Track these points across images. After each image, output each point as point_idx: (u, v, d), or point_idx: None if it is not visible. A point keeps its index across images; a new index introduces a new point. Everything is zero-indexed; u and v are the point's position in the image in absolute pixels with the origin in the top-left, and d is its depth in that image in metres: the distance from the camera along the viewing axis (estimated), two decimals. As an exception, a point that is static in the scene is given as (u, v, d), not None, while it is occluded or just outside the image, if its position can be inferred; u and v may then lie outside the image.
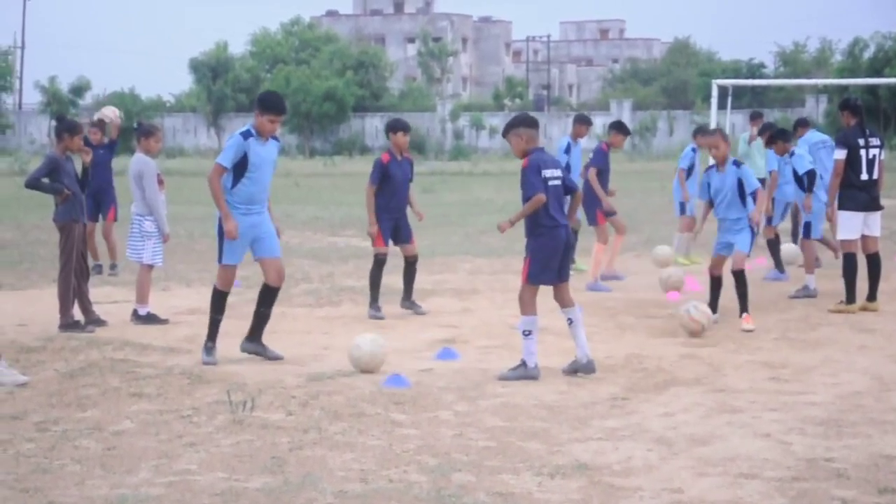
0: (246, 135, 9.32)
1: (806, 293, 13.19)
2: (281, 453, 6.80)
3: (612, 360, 9.50)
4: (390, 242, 12.00)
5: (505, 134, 9.12)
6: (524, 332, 8.89)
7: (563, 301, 9.05)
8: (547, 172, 8.91)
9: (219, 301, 9.51)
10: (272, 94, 9.60)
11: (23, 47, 79.50)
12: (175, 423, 7.49)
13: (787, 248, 15.62)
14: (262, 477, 6.35)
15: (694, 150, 16.87)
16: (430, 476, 6.40)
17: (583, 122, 15.10)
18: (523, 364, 8.87)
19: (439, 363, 9.53)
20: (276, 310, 10.92)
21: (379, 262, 11.90)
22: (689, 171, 16.71)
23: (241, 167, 9.29)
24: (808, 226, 13.78)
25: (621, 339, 10.68)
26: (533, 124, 9.07)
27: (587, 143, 16.60)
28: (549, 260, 8.90)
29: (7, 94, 78.06)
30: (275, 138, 9.56)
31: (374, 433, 7.28)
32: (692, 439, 7.21)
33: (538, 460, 6.73)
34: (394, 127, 12.05)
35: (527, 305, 8.91)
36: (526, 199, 8.90)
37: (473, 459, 6.73)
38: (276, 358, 9.52)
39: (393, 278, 13.10)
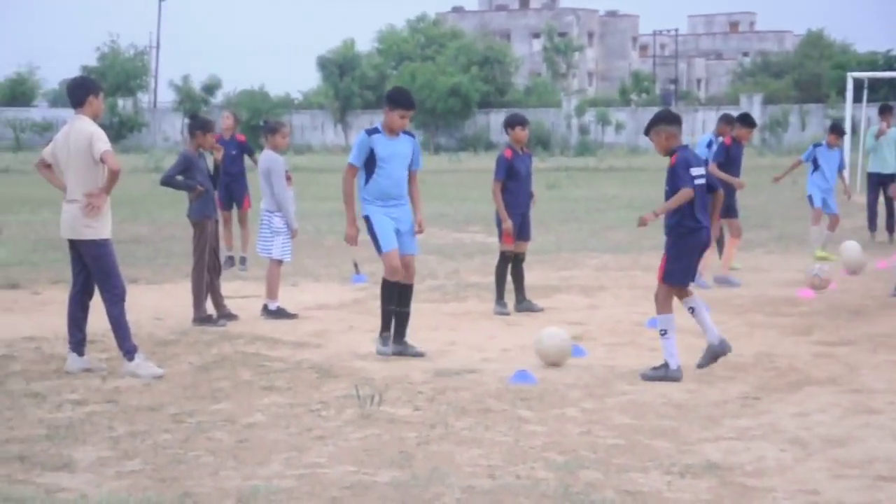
0: (371, 131, 9.44)
1: None
2: (408, 448, 6.83)
3: (743, 359, 9.33)
4: None
5: (647, 132, 9.03)
6: (661, 331, 8.77)
7: (680, 294, 8.95)
8: (694, 170, 8.81)
9: (389, 291, 9.55)
10: (401, 90, 9.68)
11: (158, 47, 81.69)
12: (304, 416, 7.59)
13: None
14: (391, 471, 6.39)
15: (815, 146, 16.61)
16: (558, 473, 6.36)
17: (727, 122, 14.68)
18: (665, 365, 8.73)
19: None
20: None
21: (505, 259, 11.87)
22: (815, 166, 16.41)
23: (370, 163, 9.40)
24: None
25: (751, 338, 10.47)
26: (675, 121, 8.97)
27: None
28: (687, 260, 8.80)
29: (142, 92, 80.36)
30: (409, 133, 9.63)
31: (501, 429, 7.27)
32: (828, 440, 7.03)
33: (667, 459, 6.63)
34: (511, 122, 12.00)
35: (662, 304, 8.80)
36: (672, 193, 8.78)
37: (601, 457, 6.67)
38: (418, 355, 9.56)
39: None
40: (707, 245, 8.94)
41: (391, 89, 9.74)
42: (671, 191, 8.81)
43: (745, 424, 7.41)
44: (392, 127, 9.45)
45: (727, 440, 7.04)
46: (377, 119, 9.04)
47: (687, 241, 8.78)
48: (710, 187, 9.04)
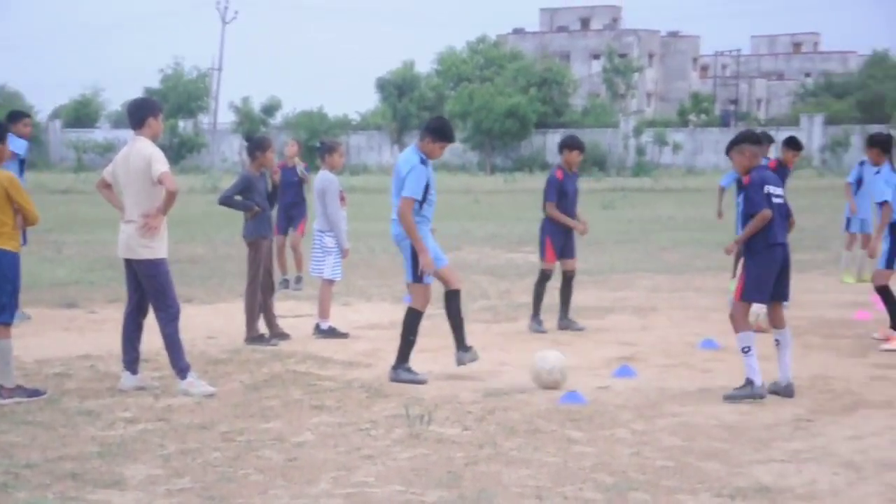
0: (423, 161, 9.40)
1: None
2: (457, 468, 6.82)
3: (798, 381, 9.20)
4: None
5: (728, 151, 8.99)
6: (743, 349, 8.70)
7: (775, 321, 8.88)
8: (769, 188, 8.77)
9: (417, 322, 9.43)
10: (447, 123, 9.60)
11: (220, 69, 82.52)
12: (354, 435, 7.60)
13: None
14: (438, 491, 6.39)
15: (861, 163, 16.23)
16: (606, 494, 6.32)
17: (786, 146, 14.28)
18: (750, 383, 8.66)
19: (616, 381, 9.42)
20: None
21: (545, 277, 12.02)
22: (858, 185, 16.08)
23: (424, 192, 9.40)
24: None
25: (807, 360, 10.36)
26: (757, 141, 8.94)
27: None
28: (764, 278, 8.74)
29: (203, 114, 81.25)
30: None
31: (550, 450, 7.24)
32: (882, 464, 6.93)
33: (717, 481, 6.57)
34: (570, 145, 12.12)
35: (739, 322, 8.74)
36: (747, 215, 8.75)
37: (650, 479, 6.62)
38: (475, 360, 9.56)
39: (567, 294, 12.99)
40: (786, 263, 8.84)
41: (435, 121, 9.60)
42: (745, 211, 8.76)
43: (798, 447, 7.32)
44: (433, 157, 9.45)
45: (779, 463, 6.96)
46: (416, 145, 8.87)
47: (763, 259, 8.73)
48: (787, 214, 8.96)
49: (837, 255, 18.93)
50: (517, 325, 12.43)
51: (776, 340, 8.85)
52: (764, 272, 8.74)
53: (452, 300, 9.56)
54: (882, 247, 11.11)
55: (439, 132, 9.40)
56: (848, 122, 66.77)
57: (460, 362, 9.55)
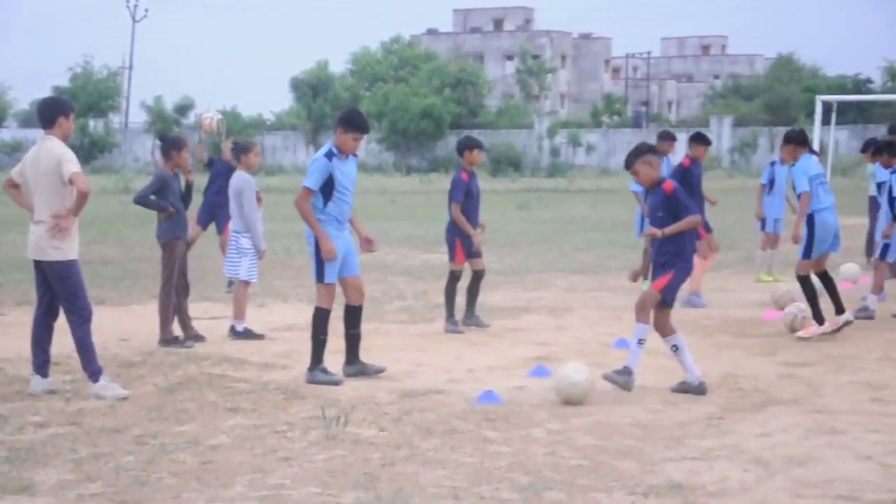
0: (329, 155, 9.32)
1: (867, 314, 12.77)
2: (373, 469, 6.83)
3: (708, 380, 9.36)
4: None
5: (630, 164, 8.99)
6: (639, 340, 8.84)
7: (665, 329, 8.99)
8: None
9: (325, 321, 9.40)
10: (357, 113, 9.58)
11: (130, 68, 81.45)
12: (270, 437, 7.57)
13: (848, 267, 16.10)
14: (355, 492, 6.38)
15: (772, 163, 16.49)
16: (522, 494, 6.37)
17: (666, 139, 14.60)
18: (628, 371, 8.79)
19: (532, 380, 9.49)
20: (370, 326, 11.02)
21: (455, 278, 12.08)
22: (771, 186, 16.36)
23: (328, 187, 9.30)
24: (885, 248, 13.12)
25: (717, 358, 10.54)
26: (655, 151, 9.07)
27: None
28: (681, 282, 9.00)
29: (114, 113, 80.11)
30: (353, 154, 9.57)
31: (466, 450, 7.27)
32: (790, 460, 7.08)
33: (631, 480, 6.66)
34: (470, 145, 12.14)
35: (644, 314, 8.84)
36: (678, 220, 8.87)
37: (565, 478, 6.69)
38: (379, 371, 9.58)
39: (487, 294, 13.09)
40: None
41: (346, 112, 9.52)
42: (671, 217, 8.85)
43: (709, 445, 7.45)
44: (346, 149, 9.38)
45: (691, 460, 7.08)
46: (331, 141, 8.82)
47: (689, 264, 8.97)
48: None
49: (748, 255, 19.32)
50: (434, 325, 12.45)
51: (673, 346, 8.96)
52: (684, 278, 9.00)
53: (350, 314, 9.54)
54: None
55: (348, 122, 9.33)
56: (756, 123, 68.01)
57: (344, 374, 9.54)
